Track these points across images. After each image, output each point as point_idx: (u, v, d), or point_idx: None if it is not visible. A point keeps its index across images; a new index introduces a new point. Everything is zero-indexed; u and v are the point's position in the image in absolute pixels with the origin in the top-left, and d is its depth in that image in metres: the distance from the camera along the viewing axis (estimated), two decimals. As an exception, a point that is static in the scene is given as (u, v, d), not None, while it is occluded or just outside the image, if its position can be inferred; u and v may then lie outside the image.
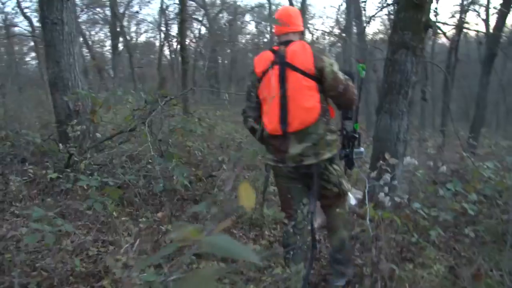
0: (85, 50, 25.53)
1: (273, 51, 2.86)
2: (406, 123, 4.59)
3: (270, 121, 2.82)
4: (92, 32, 34.02)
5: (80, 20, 25.53)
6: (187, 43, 31.64)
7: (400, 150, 4.61)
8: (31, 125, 7.08)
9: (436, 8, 15.82)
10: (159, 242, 3.39)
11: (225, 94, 9.04)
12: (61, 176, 3.72)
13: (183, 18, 8.77)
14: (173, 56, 29.87)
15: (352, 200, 4.44)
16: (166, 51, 32.25)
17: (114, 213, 3.78)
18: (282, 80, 2.75)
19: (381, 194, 2.60)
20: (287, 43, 2.86)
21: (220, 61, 33.99)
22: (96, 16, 27.93)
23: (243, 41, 35.96)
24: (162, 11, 23.91)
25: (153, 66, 31.02)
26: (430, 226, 3.81)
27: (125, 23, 31.56)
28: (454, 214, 3.82)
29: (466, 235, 4.00)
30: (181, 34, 9.15)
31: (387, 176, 2.75)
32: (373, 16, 9.81)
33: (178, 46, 10.56)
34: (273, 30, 3.22)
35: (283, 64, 2.76)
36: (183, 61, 9.56)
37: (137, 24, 31.83)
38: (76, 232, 3.25)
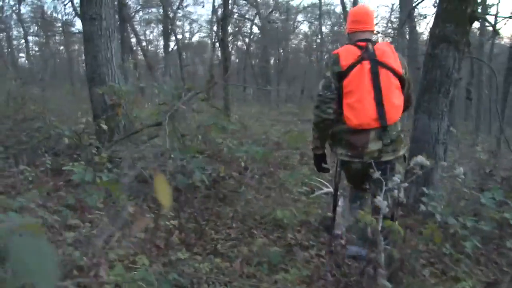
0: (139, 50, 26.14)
1: (359, 47, 2.87)
2: (446, 123, 4.25)
3: (358, 115, 2.79)
4: (147, 32, 35.05)
5: (135, 20, 26.37)
6: (239, 43, 31.90)
7: (439, 153, 4.28)
8: (71, 119, 7.17)
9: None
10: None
11: (250, 90, 8.74)
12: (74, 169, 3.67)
13: (226, 14, 8.67)
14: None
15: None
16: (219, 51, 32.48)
17: (130, 209, 3.69)
18: (375, 76, 2.79)
19: (378, 198, 2.36)
20: (365, 41, 2.91)
21: (272, 61, 33.88)
22: (151, 16, 28.71)
23: (295, 41, 35.77)
24: (214, 10, 24.06)
25: (207, 65, 31.36)
26: (468, 237, 3.45)
27: (179, 23, 32.29)
28: (494, 224, 3.43)
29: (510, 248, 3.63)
30: (223, 31, 9.07)
31: (397, 177, 2.46)
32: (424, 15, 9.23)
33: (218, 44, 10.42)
34: (349, 27, 3.18)
35: (374, 61, 2.82)
36: (224, 58, 9.47)
37: (190, 23, 32.35)
38: (82, 225, 3.18)
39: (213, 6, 24.52)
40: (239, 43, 32.67)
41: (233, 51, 34.51)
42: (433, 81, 4.17)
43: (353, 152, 2.86)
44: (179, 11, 24.88)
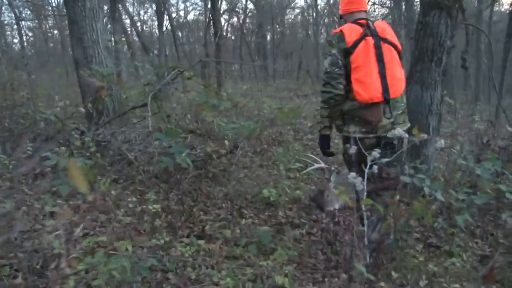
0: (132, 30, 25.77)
1: (360, 25, 2.93)
2: (439, 93, 4.11)
3: (367, 89, 2.82)
4: (141, 12, 34.55)
5: (128, 1, 25.90)
6: (235, 19, 31.41)
7: (432, 124, 4.15)
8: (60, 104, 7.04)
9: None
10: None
11: (233, 66, 8.53)
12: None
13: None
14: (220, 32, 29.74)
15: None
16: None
17: (113, 192, 3.60)
18: (379, 51, 2.86)
19: (352, 174, 2.28)
20: (361, 20, 2.97)
21: (268, 37, 33.43)
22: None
23: (292, 15, 35.26)
24: (207, -14, 23.56)
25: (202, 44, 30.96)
26: (462, 210, 3.35)
27: (173, 1, 31.80)
28: (488, 197, 3.32)
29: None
30: (213, 6, 8.84)
31: (376, 153, 2.36)
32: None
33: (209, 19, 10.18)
34: (344, 8, 3.16)
35: (377, 37, 2.89)
36: (216, 34, 9.27)
37: (184, 1, 31.86)
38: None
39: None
40: (235, 19, 32.23)
41: (229, 28, 34.13)
42: (425, 50, 4.01)
43: (367, 127, 2.88)
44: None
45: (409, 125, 2.99)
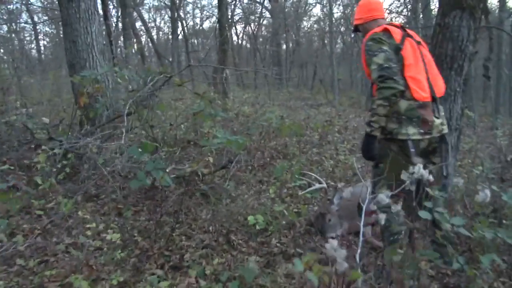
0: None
1: (396, 26, 2.90)
2: (459, 106, 3.60)
3: (422, 87, 2.72)
4: (158, 19, 34.54)
5: (144, 8, 25.79)
6: (251, 27, 31.12)
7: (452, 141, 3.63)
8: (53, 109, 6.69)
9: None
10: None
11: (226, 71, 8.05)
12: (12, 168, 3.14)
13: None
14: (236, 40, 29.49)
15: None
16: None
17: (80, 213, 3.16)
18: (420, 51, 2.84)
19: (386, 194, 1.84)
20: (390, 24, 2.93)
21: (284, 46, 33.01)
22: (161, 3, 28.12)
23: (308, 24, 34.81)
24: (221, -6, 23.26)
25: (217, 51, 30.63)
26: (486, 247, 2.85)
27: (188, 9, 31.65)
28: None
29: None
30: (220, 11, 8.43)
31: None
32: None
33: (218, 25, 9.77)
34: (367, 15, 2.92)
35: (413, 39, 2.87)
36: (222, 40, 8.85)
37: (196, 8, 31.71)
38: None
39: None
40: (251, 27, 31.88)
41: (244, 36, 33.82)
42: (444, 56, 3.51)
43: (425, 127, 2.70)
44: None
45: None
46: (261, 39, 32.15)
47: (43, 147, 3.65)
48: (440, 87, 2.86)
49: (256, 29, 29.86)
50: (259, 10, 30.13)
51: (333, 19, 26.49)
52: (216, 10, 30.07)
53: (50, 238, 2.97)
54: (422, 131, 2.69)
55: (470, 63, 3.57)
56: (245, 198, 4.18)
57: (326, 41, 33.15)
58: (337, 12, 29.80)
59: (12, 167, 3.62)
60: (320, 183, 4.00)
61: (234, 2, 25.93)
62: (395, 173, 2.45)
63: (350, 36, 29.10)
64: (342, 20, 29.62)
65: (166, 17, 32.95)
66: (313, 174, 4.25)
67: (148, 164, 2.88)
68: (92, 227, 3.19)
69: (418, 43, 2.88)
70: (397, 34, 2.79)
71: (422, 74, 2.76)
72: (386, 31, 2.80)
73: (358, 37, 23.70)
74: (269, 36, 31.19)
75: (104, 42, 6.65)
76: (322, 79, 22.07)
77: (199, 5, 30.51)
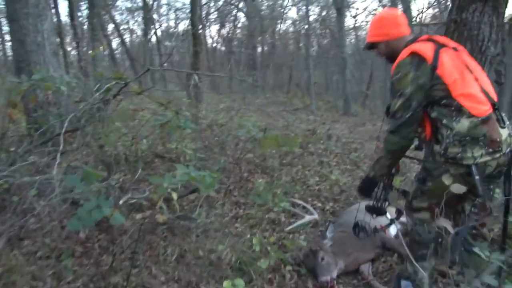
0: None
1: (428, 40, 2.54)
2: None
3: (478, 101, 2.33)
4: (131, 21, 33.60)
5: (117, 10, 24.89)
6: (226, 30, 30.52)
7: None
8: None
9: None
10: None
11: (194, 76, 7.37)
12: None
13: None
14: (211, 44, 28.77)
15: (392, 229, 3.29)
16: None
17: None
18: (460, 58, 2.46)
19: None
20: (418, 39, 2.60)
21: (260, 49, 32.46)
22: (133, 5, 27.24)
23: (283, 27, 34.38)
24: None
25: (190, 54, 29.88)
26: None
27: (162, 11, 30.84)
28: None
29: None
30: (192, 11, 7.73)
31: None
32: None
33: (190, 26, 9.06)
34: (398, 32, 2.54)
35: (449, 47, 2.49)
36: (194, 42, 8.14)
37: (175, 11, 30.99)
38: None
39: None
40: (225, 30, 31.24)
41: (219, 39, 33.15)
42: (461, 59, 2.91)
43: (493, 146, 2.32)
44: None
45: None
46: (235, 42, 31.57)
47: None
48: (494, 93, 2.46)
49: (231, 32, 29.23)
50: (234, 12, 29.53)
51: (309, 21, 26.06)
52: (186, 12, 29.47)
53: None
54: (490, 150, 2.31)
55: (491, 67, 2.96)
56: (217, 228, 3.48)
57: (301, 44, 32.80)
58: (312, 14, 29.42)
59: None
60: (309, 212, 3.34)
61: (208, 3, 25.27)
62: (440, 193, 2.33)
63: (326, 38, 28.83)
64: (318, 22, 29.29)
65: (140, 19, 32.12)
66: (302, 202, 3.63)
67: (89, 202, 2.15)
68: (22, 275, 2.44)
69: (455, 49, 2.48)
70: (428, 51, 2.39)
71: (474, 86, 2.36)
72: (414, 55, 2.41)
73: (335, 40, 23.30)
74: (244, 40, 30.61)
75: (58, 41, 5.88)
76: (298, 83, 21.55)
77: (172, 7, 29.60)
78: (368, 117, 15.73)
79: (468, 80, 2.35)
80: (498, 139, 2.31)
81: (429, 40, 2.52)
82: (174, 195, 2.52)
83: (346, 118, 15.05)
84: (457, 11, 2.90)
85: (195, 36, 8.07)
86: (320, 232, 3.36)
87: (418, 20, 11.58)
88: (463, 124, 2.30)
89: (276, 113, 12.17)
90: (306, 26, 28.23)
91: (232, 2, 27.95)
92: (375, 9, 23.02)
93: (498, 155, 2.32)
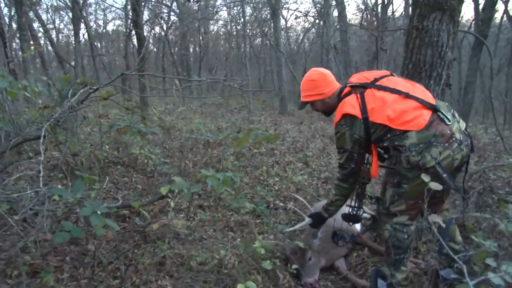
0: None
1: (348, 93, 2.77)
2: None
3: (415, 116, 2.52)
4: (57, 20, 32.08)
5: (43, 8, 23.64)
6: (156, 30, 29.95)
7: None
8: None
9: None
10: None
11: (175, 81, 7.37)
12: None
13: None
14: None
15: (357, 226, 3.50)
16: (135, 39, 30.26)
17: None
18: (386, 88, 2.67)
19: None
20: (344, 89, 2.87)
21: (191, 49, 32.19)
22: (60, 2, 25.95)
23: (215, 27, 34.35)
24: (128, -5, 21.85)
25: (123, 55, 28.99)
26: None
27: (91, 10, 29.71)
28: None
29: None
30: (136, 13, 7.58)
31: None
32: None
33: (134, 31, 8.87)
34: (328, 89, 2.62)
35: (370, 84, 2.70)
36: (139, 43, 8.00)
37: (104, 10, 29.99)
38: None
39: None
40: (157, 30, 30.65)
41: (150, 40, 32.48)
42: (423, 63, 3.12)
43: (447, 139, 2.47)
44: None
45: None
46: (168, 43, 31.10)
47: None
48: (430, 98, 2.62)
49: (165, 32, 28.72)
50: (166, 12, 29.07)
51: (243, 21, 26.22)
52: (120, 12, 28.61)
53: None
54: (446, 144, 2.46)
55: (449, 71, 3.21)
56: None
57: (233, 45, 32.94)
58: (246, 15, 29.60)
59: None
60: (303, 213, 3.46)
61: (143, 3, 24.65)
62: (417, 194, 2.51)
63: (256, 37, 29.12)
64: (250, 24, 29.51)
65: (66, 19, 30.71)
66: (297, 210, 3.76)
67: (85, 207, 2.11)
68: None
69: (376, 80, 2.71)
70: (355, 107, 2.62)
71: (406, 104, 2.55)
72: (345, 116, 2.65)
73: (268, 41, 23.65)
74: (177, 40, 30.23)
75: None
76: (235, 84, 21.56)
77: (102, 6, 28.56)
78: (304, 116, 16.06)
79: (399, 103, 2.53)
80: (449, 132, 2.47)
81: (354, 86, 2.74)
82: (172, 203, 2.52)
83: (284, 118, 15.34)
84: (418, 18, 3.12)
85: (139, 37, 7.93)
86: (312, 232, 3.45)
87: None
88: (412, 137, 2.47)
89: (220, 115, 12.19)
90: (239, 27, 28.52)
91: (163, 2, 27.53)
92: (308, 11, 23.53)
93: (455, 144, 2.47)
